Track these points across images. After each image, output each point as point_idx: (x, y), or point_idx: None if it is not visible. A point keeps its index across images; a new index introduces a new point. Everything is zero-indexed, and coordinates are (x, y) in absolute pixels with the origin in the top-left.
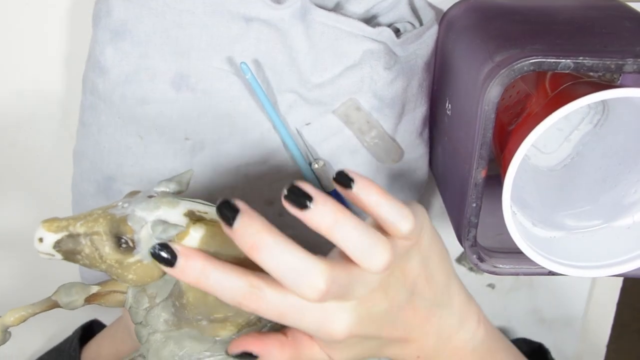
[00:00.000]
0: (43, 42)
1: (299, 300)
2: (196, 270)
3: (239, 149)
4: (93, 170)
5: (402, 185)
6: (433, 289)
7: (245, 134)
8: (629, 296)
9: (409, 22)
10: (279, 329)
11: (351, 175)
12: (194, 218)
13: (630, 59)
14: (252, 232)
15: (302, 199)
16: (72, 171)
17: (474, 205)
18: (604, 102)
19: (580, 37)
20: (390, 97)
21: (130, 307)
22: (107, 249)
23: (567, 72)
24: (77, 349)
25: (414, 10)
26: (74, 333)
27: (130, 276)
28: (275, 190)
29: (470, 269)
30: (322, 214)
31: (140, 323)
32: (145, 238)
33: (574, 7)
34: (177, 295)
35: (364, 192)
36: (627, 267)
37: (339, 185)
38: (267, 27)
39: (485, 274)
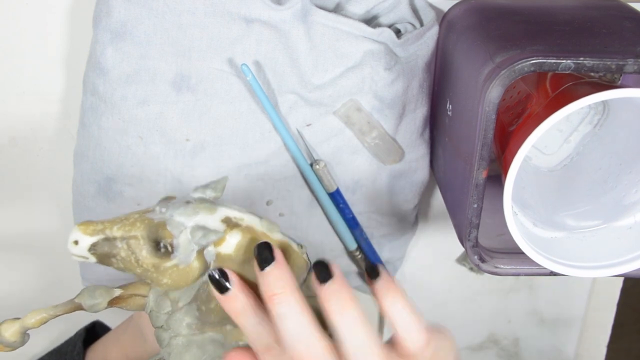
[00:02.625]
0: (43, 42)
1: None
2: (240, 304)
3: (240, 150)
4: (93, 171)
5: (402, 185)
6: None
7: (246, 135)
8: (629, 296)
9: (409, 22)
10: None
11: (379, 268)
12: (231, 224)
13: (631, 60)
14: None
15: (324, 273)
16: (73, 172)
17: (475, 205)
18: (604, 103)
19: (581, 37)
20: (390, 98)
21: (150, 311)
22: (145, 252)
23: (567, 72)
24: (80, 352)
25: (415, 11)
26: (76, 335)
27: (165, 280)
28: (276, 190)
29: (471, 269)
30: (331, 294)
31: (162, 327)
32: (184, 243)
33: (574, 7)
34: (204, 299)
35: (384, 290)
36: (628, 268)
37: (370, 277)
38: (267, 28)
39: (486, 274)
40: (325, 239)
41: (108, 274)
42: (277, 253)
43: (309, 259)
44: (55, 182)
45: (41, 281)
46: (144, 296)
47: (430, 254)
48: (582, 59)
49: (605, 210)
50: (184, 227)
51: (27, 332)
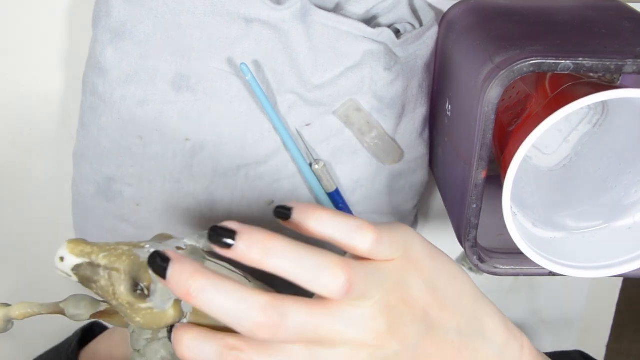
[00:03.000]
0: (43, 42)
1: (285, 356)
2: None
3: (239, 150)
4: (93, 171)
5: (402, 186)
6: (454, 316)
7: (245, 135)
8: (629, 297)
9: (409, 22)
10: None
11: (289, 205)
12: None
13: (630, 60)
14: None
15: (224, 237)
16: (72, 172)
17: (474, 206)
18: (603, 103)
19: (580, 37)
20: (390, 98)
21: (132, 332)
22: (122, 288)
23: (567, 73)
24: (75, 350)
25: (414, 11)
26: (74, 334)
27: (137, 319)
28: (275, 190)
29: (470, 269)
30: (248, 247)
31: (138, 351)
32: (162, 290)
33: (574, 7)
34: None
35: (302, 217)
36: (627, 268)
37: (280, 219)
38: (267, 28)
39: (485, 274)
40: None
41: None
42: (169, 254)
43: None
44: (55, 182)
45: (40, 281)
46: None
47: None
48: (581, 59)
49: (604, 211)
50: None
51: (12, 320)
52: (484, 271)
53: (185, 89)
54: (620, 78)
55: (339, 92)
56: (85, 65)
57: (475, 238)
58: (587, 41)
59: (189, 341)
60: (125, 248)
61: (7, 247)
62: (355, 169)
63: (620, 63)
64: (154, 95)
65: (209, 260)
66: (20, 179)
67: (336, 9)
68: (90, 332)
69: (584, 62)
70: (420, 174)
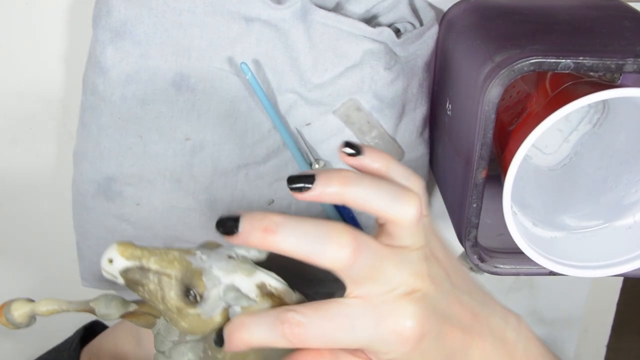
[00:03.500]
0: (43, 42)
1: (341, 308)
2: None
3: (239, 149)
4: (93, 171)
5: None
6: (466, 283)
7: (246, 134)
8: (629, 296)
9: (409, 22)
10: None
11: (357, 144)
12: (264, 291)
13: (631, 59)
14: (259, 219)
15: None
16: (72, 171)
17: (475, 205)
18: (604, 102)
19: (580, 37)
20: (390, 97)
21: (157, 333)
22: (173, 293)
23: (567, 72)
24: (77, 349)
25: (414, 11)
26: (75, 333)
27: (183, 324)
28: (275, 190)
29: (471, 269)
30: (328, 181)
31: (163, 352)
32: (214, 297)
33: (574, 7)
34: (214, 346)
35: (372, 158)
36: (628, 267)
37: (349, 155)
38: (267, 28)
39: (486, 274)
40: None
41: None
42: (238, 212)
43: None
44: (55, 182)
45: (40, 281)
46: (156, 317)
47: None
48: (581, 58)
49: (605, 210)
50: (219, 282)
51: (35, 316)
52: (484, 270)
53: (186, 89)
54: (621, 77)
55: (339, 91)
56: (86, 65)
57: (476, 237)
58: (588, 40)
59: (244, 318)
60: (177, 254)
61: (7, 246)
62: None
63: (620, 62)
64: (154, 95)
65: (260, 270)
66: (20, 179)
67: (336, 8)
68: (91, 331)
69: (584, 61)
70: (420, 174)
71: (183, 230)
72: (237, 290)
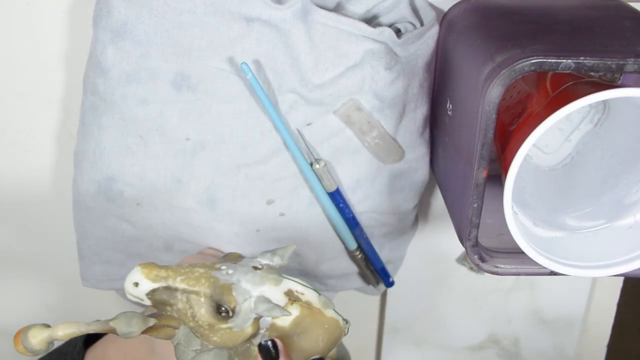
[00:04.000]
0: (43, 42)
1: None
2: None
3: (240, 149)
4: (93, 171)
5: (402, 185)
6: None
7: (246, 134)
8: (630, 296)
9: (409, 22)
10: None
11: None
12: (292, 298)
13: (631, 59)
14: None
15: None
16: (73, 171)
17: (475, 205)
18: (604, 102)
19: (581, 37)
20: (391, 98)
21: (177, 344)
22: (204, 311)
23: (568, 72)
24: (80, 352)
25: (415, 11)
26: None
27: (215, 338)
28: (276, 190)
29: (471, 269)
30: None
31: None
32: (246, 310)
33: (575, 7)
34: (240, 353)
35: None
36: (628, 267)
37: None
38: (268, 28)
39: (486, 274)
40: (325, 239)
41: (107, 275)
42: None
43: (347, 330)
44: (55, 182)
45: (41, 282)
46: (175, 328)
47: (430, 254)
48: (582, 58)
49: (605, 210)
50: (249, 295)
51: (53, 341)
52: (485, 271)
53: (186, 89)
54: (621, 77)
55: (340, 91)
56: (86, 65)
57: (476, 237)
58: (588, 40)
59: None
60: (202, 270)
61: (8, 247)
62: (355, 169)
63: (621, 62)
64: (154, 95)
65: (286, 278)
66: (20, 179)
67: (337, 8)
68: (94, 334)
69: (585, 61)
70: (420, 174)
71: (183, 230)
72: (269, 301)
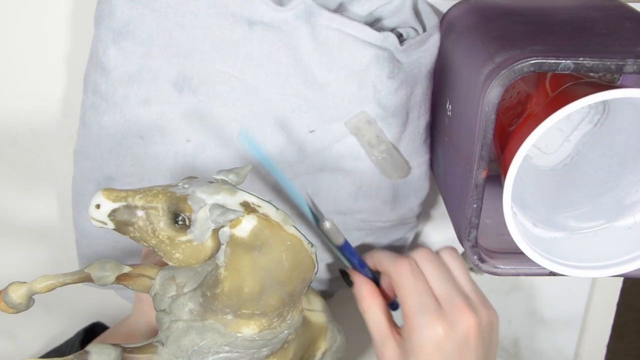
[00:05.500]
0: (44, 42)
1: None
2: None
3: (241, 152)
4: (93, 170)
5: (407, 193)
6: None
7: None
8: (629, 297)
9: (412, 27)
10: (288, 341)
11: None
12: (249, 209)
13: (631, 60)
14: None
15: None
16: (73, 171)
17: (475, 205)
18: (604, 102)
19: (581, 37)
20: (394, 106)
21: (155, 294)
22: (162, 224)
23: (567, 72)
24: (78, 350)
25: (418, 16)
26: (75, 335)
27: (177, 255)
28: (276, 191)
29: (471, 269)
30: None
31: (164, 310)
32: (202, 219)
33: (574, 7)
34: (210, 284)
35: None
36: (628, 268)
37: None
38: (270, 30)
39: (486, 274)
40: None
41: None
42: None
43: (316, 261)
44: (55, 182)
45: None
46: (151, 278)
47: None
48: (581, 59)
49: (605, 211)
50: (204, 203)
51: (33, 296)
52: (484, 271)
53: (188, 90)
54: (621, 78)
55: (343, 97)
56: (87, 65)
57: (476, 238)
58: (588, 41)
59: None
60: (159, 188)
61: (8, 246)
62: (358, 176)
63: (620, 63)
64: (156, 96)
65: (242, 190)
66: (20, 179)
67: (339, 9)
68: (92, 333)
69: (584, 61)
70: (423, 181)
71: None
72: (223, 206)
